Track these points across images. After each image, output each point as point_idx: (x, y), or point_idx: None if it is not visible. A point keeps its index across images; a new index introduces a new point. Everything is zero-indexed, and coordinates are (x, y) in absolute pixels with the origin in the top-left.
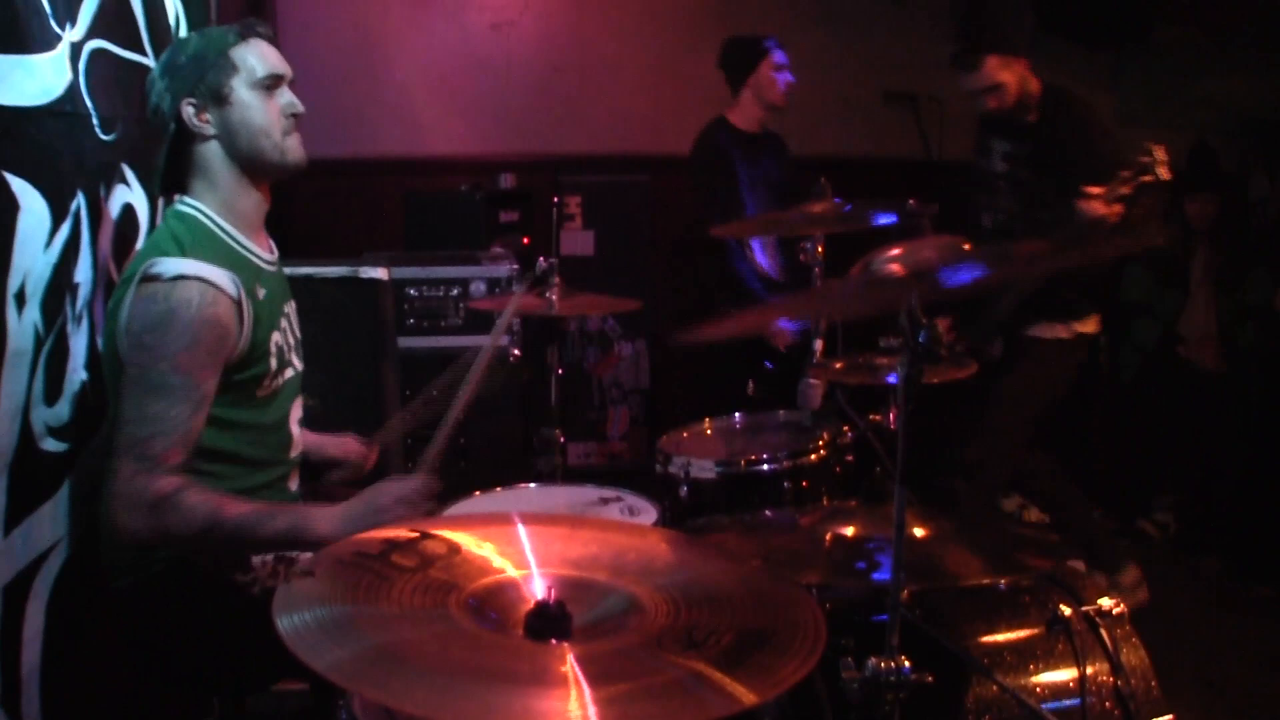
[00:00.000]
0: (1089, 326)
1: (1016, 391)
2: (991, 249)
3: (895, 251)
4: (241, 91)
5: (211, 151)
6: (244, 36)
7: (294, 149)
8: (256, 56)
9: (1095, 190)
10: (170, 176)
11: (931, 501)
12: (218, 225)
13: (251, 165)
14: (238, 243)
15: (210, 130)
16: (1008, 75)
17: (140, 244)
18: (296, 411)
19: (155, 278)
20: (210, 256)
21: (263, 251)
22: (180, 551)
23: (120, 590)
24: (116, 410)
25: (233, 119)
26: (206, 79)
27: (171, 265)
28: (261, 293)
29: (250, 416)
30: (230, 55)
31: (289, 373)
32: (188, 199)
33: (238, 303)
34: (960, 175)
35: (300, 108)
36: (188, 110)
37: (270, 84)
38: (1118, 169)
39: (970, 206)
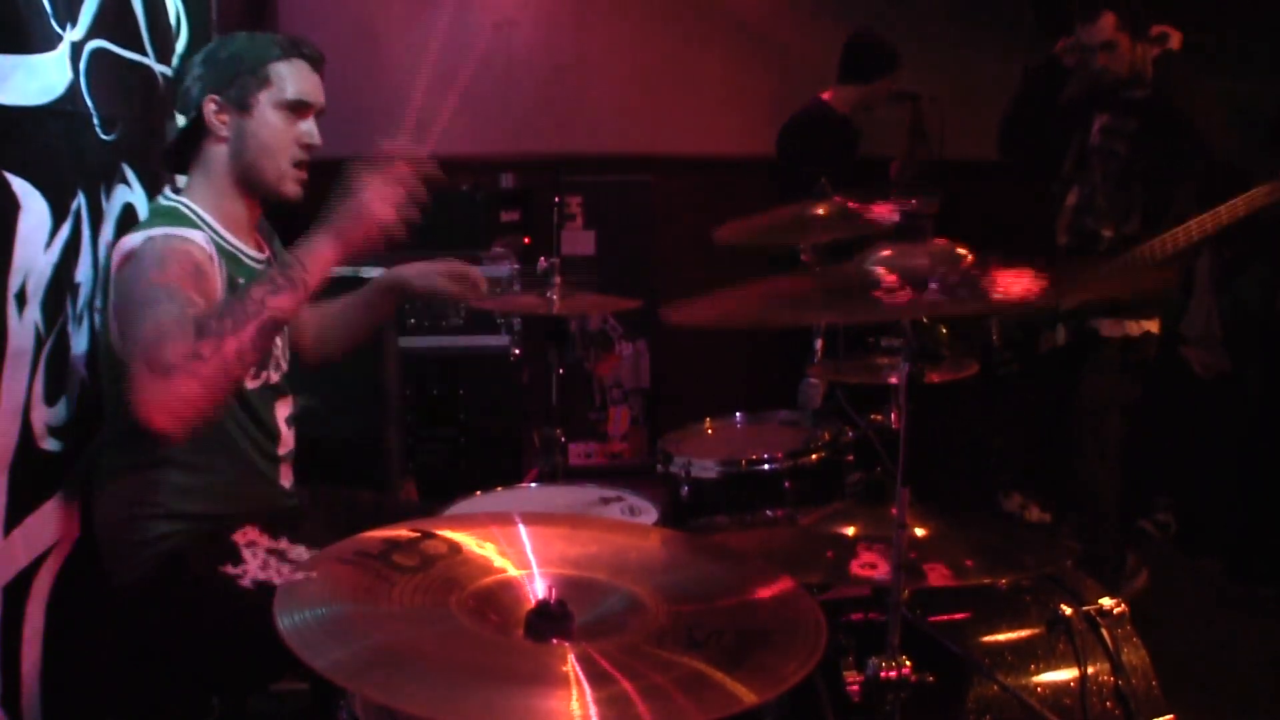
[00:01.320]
0: (1154, 324)
1: (1093, 398)
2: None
3: (886, 253)
4: (265, 107)
5: (218, 153)
6: (287, 54)
7: (292, 181)
8: (292, 77)
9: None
10: (174, 160)
11: (932, 501)
12: (200, 218)
13: (248, 180)
14: (219, 235)
15: (224, 132)
16: (1124, 37)
17: None
18: (285, 410)
19: (128, 255)
20: (180, 226)
21: (249, 249)
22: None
23: (120, 590)
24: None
25: (247, 130)
26: (236, 83)
27: (137, 236)
28: (241, 283)
29: (238, 400)
30: (267, 68)
31: (273, 376)
32: (171, 195)
33: (210, 256)
34: (965, 173)
35: (317, 140)
36: (210, 107)
37: (296, 108)
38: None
39: (1056, 184)
